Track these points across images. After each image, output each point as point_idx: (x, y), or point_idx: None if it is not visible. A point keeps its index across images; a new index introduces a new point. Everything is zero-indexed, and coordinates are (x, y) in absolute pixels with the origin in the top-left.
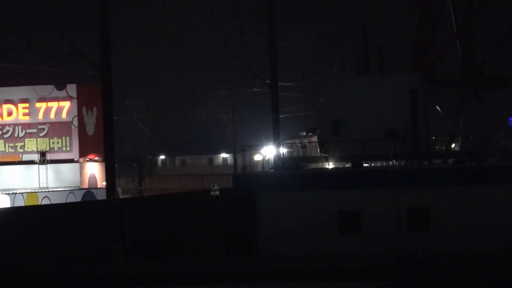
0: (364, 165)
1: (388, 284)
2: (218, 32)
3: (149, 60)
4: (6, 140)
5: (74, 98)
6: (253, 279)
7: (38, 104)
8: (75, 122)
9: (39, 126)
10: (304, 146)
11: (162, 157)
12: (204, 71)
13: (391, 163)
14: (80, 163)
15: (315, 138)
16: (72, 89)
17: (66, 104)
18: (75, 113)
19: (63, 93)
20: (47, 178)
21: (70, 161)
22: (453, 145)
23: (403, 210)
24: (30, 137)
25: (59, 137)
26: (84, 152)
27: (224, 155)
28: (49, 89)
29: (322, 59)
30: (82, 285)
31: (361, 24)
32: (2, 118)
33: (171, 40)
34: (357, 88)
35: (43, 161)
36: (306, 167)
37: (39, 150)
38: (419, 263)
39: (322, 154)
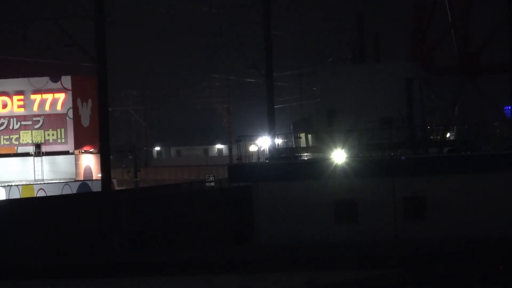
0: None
1: (386, 272)
2: (213, 21)
3: (144, 50)
4: (1, 133)
5: (69, 90)
6: (251, 268)
7: (33, 96)
8: (70, 114)
9: (34, 118)
10: (299, 137)
11: (157, 148)
12: (199, 61)
13: (386, 152)
14: (75, 155)
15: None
16: (67, 80)
17: (61, 96)
18: (70, 104)
19: (58, 85)
20: (42, 170)
21: (66, 153)
22: (448, 134)
23: (400, 198)
24: (25, 129)
25: (54, 129)
26: (79, 144)
27: (219, 145)
28: (44, 81)
29: (317, 48)
30: (80, 275)
31: (357, 13)
32: None
33: (166, 29)
34: (352, 77)
35: (38, 153)
36: (301, 157)
37: (34, 142)
38: (416, 251)
39: (318, 144)
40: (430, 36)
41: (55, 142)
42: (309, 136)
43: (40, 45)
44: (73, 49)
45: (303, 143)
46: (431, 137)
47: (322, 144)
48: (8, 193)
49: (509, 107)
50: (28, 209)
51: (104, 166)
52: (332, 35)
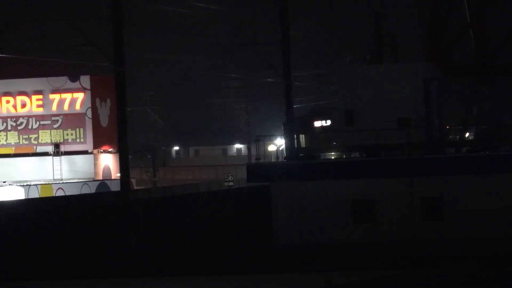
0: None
1: (403, 273)
2: (230, 20)
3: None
4: (20, 132)
5: (87, 89)
6: (268, 268)
7: (51, 96)
8: (89, 113)
9: (53, 118)
10: (317, 137)
11: (176, 148)
12: (217, 61)
13: (404, 152)
14: (94, 154)
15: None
16: (85, 80)
17: (80, 96)
18: (89, 104)
19: (76, 84)
20: (61, 169)
21: (84, 152)
22: (466, 134)
23: (417, 199)
24: (44, 129)
25: (73, 128)
26: (98, 143)
27: (238, 145)
28: (63, 80)
29: (335, 48)
30: (98, 275)
31: (374, 13)
32: (16, 110)
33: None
34: (370, 77)
35: (57, 152)
36: (320, 157)
37: (53, 141)
38: (433, 252)
39: (335, 144)
40: (446, 36)
41: (74, 141)
42: (302, 136)
43: (58, 45)
44: (91, 49)
45: (302, 143)
46: (449, 137)
47: (340, 143)
48: (27, 192)
49: None
50: (45, 209)
51: (123, 165)
52: (350, 35)
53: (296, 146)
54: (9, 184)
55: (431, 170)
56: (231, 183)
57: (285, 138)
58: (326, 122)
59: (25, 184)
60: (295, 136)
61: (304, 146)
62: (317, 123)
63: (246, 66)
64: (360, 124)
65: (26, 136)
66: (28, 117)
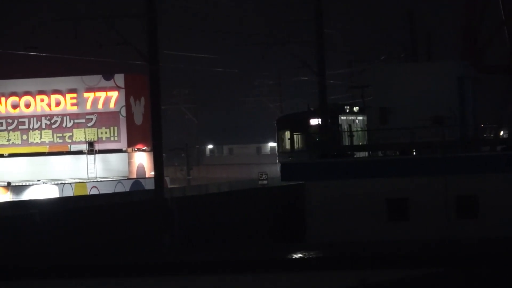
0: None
1: (437, 271)
2: (265, 19)
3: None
4: (54, 130)
5: (122, 88)
6: (302, 266)
7: (86, 94)
8: (123, 112)
9: (87, 116)
10: (352, 135)
11: (210, 146)
12: (251, 59)
13: (439, 151)
14: (128, 153)
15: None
16: (120, 79)
17: (114, 94)
18: (123, 103)
19: (111, 83)
20: (95, 168)
21: (118, 151)
22: (501, 132)
23: (451, 197)
24: (78, 127)
25: (107, 127)
26: (132, 141)
27: (272, 144)
28: (97, 79)
29: (369, 47)
30: (131, 274)
31: (409, 11)
32: (50, 109)
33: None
34: (404, 75)
35: (91, 151)
36: (354, 155)
37: (87, 140)
38: (468, 250)
39: (370, 142)
40: (481, 35)
41: (108, 140)
42: (296, 134)
43: (93, 43)
44: (125, 48)
45: (296, 142)
46: (484, 135)
47: (374, 141)
48: (61, 191)
49: None
50: (79, 208)
51: (157, 164)
52: (384, 34)
53: (289, 145)
54: (44, 183)
55: (465, 169)
56: (265, 182)
57: (278, 135)
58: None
59: (59, 182)
60: (289, 135)
61: (299, 145)
62: (313, 121)
63: (280, 64)
64: (394, 123)
65: (61, 135)
66: (63, 115)
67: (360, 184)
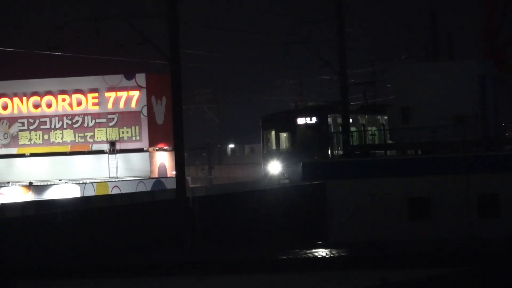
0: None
1: (459, 270)
2: (286, 18)
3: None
4: (75, 130)
5: (143, 87)
6: (323, 266)
7: (107, 94)
8: (145, 111)
9: (109, 116)
10: (373, 134)
11: (231, 145)
12: (272, 58)
13: (460, 150)
14: (149, 152)
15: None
16: (141, 78)
17: (135, 94)
18: (144, 102)
19: (132, 82)
20: (117, 167)
21: (140, 150)
22: None
23: (473, 196)
24: (99, 127)
25: (129, 126)
26: (153, 141)
27: None
28: (118, 78)
29: (390, 46)
30: (153, 273)
31: (430, 11)
32: (71, 108)
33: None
34: (425, 74)
35: (113, 150)
36: (376, 154)
37: (108, 139)
38: (490, 250)
39: (391, 141)
40: (503, 33)
41: (129, 139)
42: (282, 134)
43: (114, 43)
44: (146, 47)
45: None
46: (505, 134)
47: (396, 140)
48: (82, 190)
49: None
50: (101, 207)
51: (179, 163)
52: (405, 33)
53: (275, 145)
54: (65, 182)
55: (487, 168)
56: (286, 181)
57: (262, 135)
58: (311, 120)
59: (81, 182)
60: (274, 134)
61: (285, 145)
62: (301, 121)
63: (301, 64)
64: (415, 122)
65: (82, 134)
66: (84, 115)
67: (381, 183)
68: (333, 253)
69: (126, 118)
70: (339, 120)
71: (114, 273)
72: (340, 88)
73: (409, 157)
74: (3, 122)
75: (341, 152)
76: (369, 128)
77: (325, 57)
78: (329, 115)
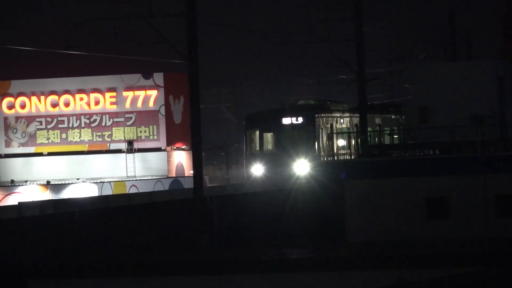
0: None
1: (477, 270)
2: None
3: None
4: (93, 129)
5: (161, 87)
6: (340, 266)
7: (125, 93)
8: (162, 110)
9: (126, 115)
10: (392, 134)
11: None
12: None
13: (478, 149)
14: (167, 151)
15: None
16: (159, 77)
17: (153, 93)
18: (162, 101)
19: (150, 81)
20: (134, 166)
21: (158, 149)
22: None
23: (491, 196)
24: (117, 126)
25: (146, 125)
26: (171, 140)
27: None
28: (136, 78)
29: (408, 46)
30: (170, 272)
31: (448, 10)
32: (89, 107)
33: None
34: (444, 74)
35: (131, 150)
36: (393, 154)
37: (126, 139)
38: (508, 249)
39: (409, 141)
40: None
41: (147, 139)
42: (266, 134)
43: (132, 42)
44: (164, 46)
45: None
46: None
47: (414, 140)
48: (100, 189)
49: None
50: (118, 207)
51: (196, 163)
52: (423, 33)
53: (258, 146)
54: (83, 181)
55: (505, 167)
56: (303, 180)
57: (246, 135)
58: (297, 120)
59: (98, 181)
60: (258, 134)
61: (270, 146)
62: (286, 121)
63: (319, 63)
64: (433, 122)
65: (100, 133)
66: (102, 114)
67: (399, 183)
68: (350, 253)
69: (143, 117)
70: (329, 121)
71: (131, 272)
72: (358, 88)
73: (427, 157)
74: (21, 121)
75: (328, 154)
76: (386, 128)
77: (342, 57)
78: (317, 115)
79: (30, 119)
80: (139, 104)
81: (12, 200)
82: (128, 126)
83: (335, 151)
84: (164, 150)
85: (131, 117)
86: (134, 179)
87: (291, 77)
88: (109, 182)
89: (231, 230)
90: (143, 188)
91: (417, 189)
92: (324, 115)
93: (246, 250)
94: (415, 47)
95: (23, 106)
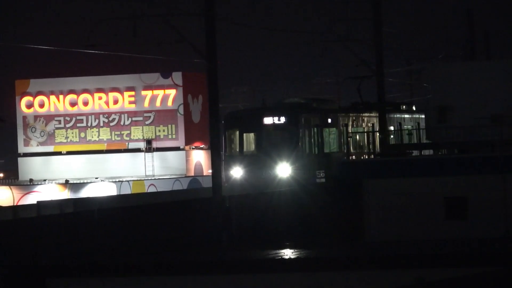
0: None
1: (496, 270)
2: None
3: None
4: (112, 128)
5: (179, 86)
6: (359, 265)
7: (144, 92)
8: (181, 110)
9: (145, 114)
10: (410, 133)
11: None
12: (309, 57)
13: (497, 149)
14: (186, 150)
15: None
16: (177, 77)
17: (172, 92)
18: (181, 101)
19: (168, 81)
20: (153, 166)
21: (176, 148)
22: None
23: (510, 195)
24: (136, 125)
25: (165, 125)
26: (189, 139)
27: None
28: (155, 77)
29: (427, 46)
30: (191, 271)
31: (467, 10)
32: (108, 106)
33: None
34: (462, 74)
35: (149, 149)
36: (412, 154)
37: (145, 138)
38: None
39: (428, 141)
40: None
41: (165, 138)
42: (247, 134)
43: (151, 41)
44: (183, 46)
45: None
46: None
47: (433, 140)
48: (119, 188)
49: None
50: (137, 205)
51: (215, 162)
52: (443, 32)
53: (238, 147)
54: (101, 180)
55: None
56: (322, 180)
57: (225, 135)
58: (279, 120)
59: (117, 180)
60: (238, 135)
61: (251, 147)
62: (268, 120)
63: (338, 63)
64: (453, 121)
65: (118, 133)
66: (120, 113)
67: (417, 183)
68: (367, 252)
69: (162, 116)
70: (316, 121)
71: (150, 271)
72: (377, 87)
73: (445, 156)
74: (39, 120)
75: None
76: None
77: (362, 56)
78: (302, 115)
79: (49, 118)
80: (158, 103)
81: (31, 199)
82: (147, 125)
83: (337, 150)
84: (183, 149)
85: (149, 116)
86: (152, 178)
87: (310, 76)
88: (128, 181)
89: (250, 229)
90: (161, 187)
91: (435, 188)
92: (311, 114)
93: (264, 249)
94: (434, 46)
95: (42, 105)
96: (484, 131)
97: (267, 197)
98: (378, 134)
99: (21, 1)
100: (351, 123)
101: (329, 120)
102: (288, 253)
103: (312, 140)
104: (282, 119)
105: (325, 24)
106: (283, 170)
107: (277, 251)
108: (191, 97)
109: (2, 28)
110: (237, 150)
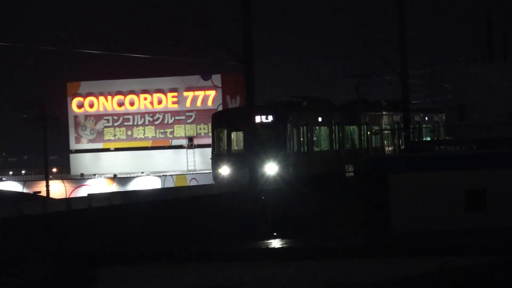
0: None
1: None
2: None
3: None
4: (156, 127)
5: (219, 87)
6: (386, 253)
7: (185, 93)
8: (220, 109)
9: (187, 113)
10: (432, 130)
11: None
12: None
13: None
14: None
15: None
16: (217, 79)
17: (212, 93)
18: (220, 101)
19: (208, 82)
20: (194, 161)
21: None
22: None
23: None
24: (178, 124)
25: (205, 123)
26: None
27: None
28: (196, 79)
29: (449, 48)
30: (230, 259)
31: (486, 14)
32: (153, 106)
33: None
34: (482, 74)
35: (191, 145)
36: (435, 150)
37: (187, 135)
38: None
39: (448, 138)
40: None
41: (206, 135)
42: (235, 133)
43: (192, 45)
44: (221, 49)
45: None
46: None
47: (453, 137)
48: (163, 182)
49: None
50: (180, 198)
51: (251, 158)
52: (464, 35)
53: (226, 145)
54: (147, 175)
55: None
56: (351, 174)
57: (213, 134)
58: (267, 119)
59: (161, 174)
60: (226, 133)
61: (239, 146)
62: (256, 119)
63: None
64: (472, 119)
65: (162, 130)
66: (164, 112)
67: (439, 177)
68: (393, 242)
69: (203, 115)
70: (306, 120)
71: (191, 260)
72: (401, 88)
73: (466, 152)
74: (89, 119)
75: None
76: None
77: (386, 58)
78: (290, 114)
79: (98, 117)
80: (199, 103)
81: (82, 192)
82: (189, 123)
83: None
84: None
85: (191, 115)
86: (194, 172)
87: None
88: (171, 175)
89: (286, 221)
90: (202, 181)
91: (456, 182)
92: (300, 114)
93: (299, 239)
94: (455, 48)
95: (91, 106)
96: (501, 128)
97: (302, 189)
98: (399, 132)
99: (72, 12)
100: (345, 121)
101: (320, 119)
102: (316, 243)
103: (301, 138)
104: (270, 118)
105: (351, 27)
106: (271, 168)
107: (307, 241)
108: (229, 98)
109: (54, 34)
110: (225, 148)
